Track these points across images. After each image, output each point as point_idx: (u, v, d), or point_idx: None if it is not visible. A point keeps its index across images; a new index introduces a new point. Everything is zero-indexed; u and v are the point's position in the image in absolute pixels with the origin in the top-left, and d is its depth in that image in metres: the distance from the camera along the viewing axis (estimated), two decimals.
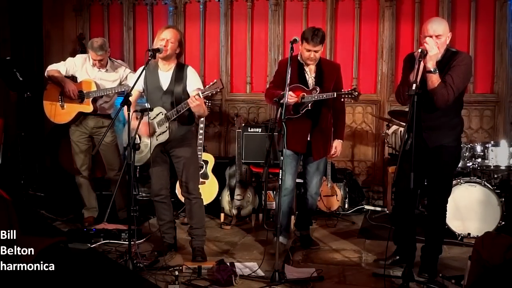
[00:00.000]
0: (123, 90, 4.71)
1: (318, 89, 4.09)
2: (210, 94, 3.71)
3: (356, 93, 3.97)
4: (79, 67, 4.81)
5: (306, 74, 4.21)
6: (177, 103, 3.80)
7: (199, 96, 3.67)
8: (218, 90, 3.72)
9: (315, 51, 4.10)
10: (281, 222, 4.03)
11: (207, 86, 3.72)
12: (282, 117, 3.75)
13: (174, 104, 3.82)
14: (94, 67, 4.79)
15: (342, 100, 4.09)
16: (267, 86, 6.16)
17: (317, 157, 4.25)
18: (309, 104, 4.10)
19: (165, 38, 3.80)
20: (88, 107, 4.75)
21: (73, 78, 4.81)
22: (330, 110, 4.25)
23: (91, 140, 4.93)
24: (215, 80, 3.71)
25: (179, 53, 3.91)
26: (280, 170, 3.74)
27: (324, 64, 4.27)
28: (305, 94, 4.12)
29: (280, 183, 3.78)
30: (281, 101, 3.96)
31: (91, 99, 4.72)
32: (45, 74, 4.85)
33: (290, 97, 3.97)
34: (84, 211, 5.03)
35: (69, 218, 5.15)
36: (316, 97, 4.06)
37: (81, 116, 4.81)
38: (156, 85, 3.89)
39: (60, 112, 4.83)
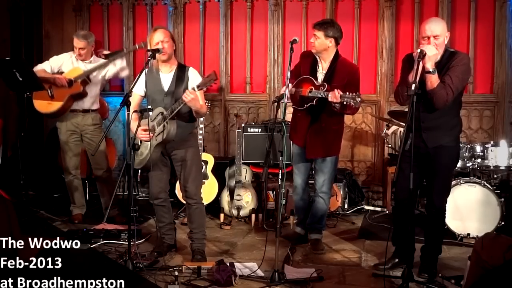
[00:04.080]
0: (106, 71, 4.96)
1: (326, 86, 3.98)
2: (205, 88, 3.67)
3: (359, 98, 3.75)
4: (64, 61, 4.97)
5: (317, 69, 4.18)
6: None
7: (194, 90, 3.63)
8: (213, 82, 3.66)
9: (314, 36, 4.10)
10: (299, 217, 4.54)
11: (201, 80, 3.68)
12: (283, 117, 3.83)
13: None
14: (78, 60, 4.96)
15: (345, 103, 3.82)
16: (267, 86, 6.26)
17: (311, 155, 4.22)
18: (314, 100, 4.03)
19: (159, 40, 3.78)
20: (78, 88, 4.85)
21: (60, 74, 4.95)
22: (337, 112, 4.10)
23: (81, 140, 5.01)
24: (209, 73, 3.66)
25: (174, 50, 3.92)
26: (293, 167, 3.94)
27: (340, 63, 4.15)
28: (313, 88, 4.06)
29: (279, 183, 3.79)
30: (281, 101, 4.00)
31: (80, 80, 4.84)
32: None
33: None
34: (73, 208, 5.12)
35: (69, 218, 5.14)
36: (321, 94, 3.96)
37: (72, 102, 4.90)
38: (158, 87, 3.88)
39: (50, 102, 4.91)
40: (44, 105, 4.94)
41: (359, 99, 3.77)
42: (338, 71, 4.10)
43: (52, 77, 4.85)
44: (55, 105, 4.89)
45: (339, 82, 4.00)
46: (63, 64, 4.96)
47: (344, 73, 4.09)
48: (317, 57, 4.20)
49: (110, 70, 5.02)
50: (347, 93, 3.80)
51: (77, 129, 4.97)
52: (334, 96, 3.83)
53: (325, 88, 3.97)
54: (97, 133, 4.99)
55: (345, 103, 3.83)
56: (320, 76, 4.16)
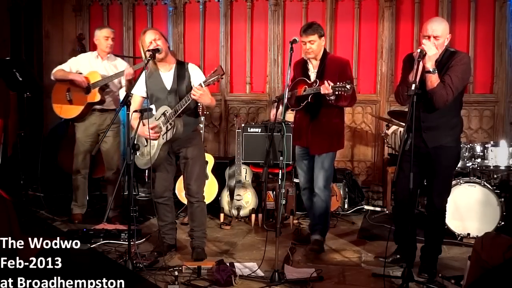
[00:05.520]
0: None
1: (318, 82, 4.05)
2: (212, 83, 3.68)
3: (349, 85, 3.82)
4: (83, 62, 4.94)
5: (309, 70, 4.24)
6: None
7: (201, 86, 3.63)
8: (220, 77, 3.65)
9: (309, 42, 4.12)
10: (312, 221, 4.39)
11: (208, 75, 3.68)
12: (282, 117, 3.85)
13: None
14: (98, 58, 4.93)
15: (338, 93, 3.89)
16: (267, 86, 6.27)
17: (315, 151, 4.22)
18: (309, 97, 4.08)
19: (151, 39, 3.77)
20: (95, 97, 4.81)
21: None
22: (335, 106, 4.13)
23: (96, 140, 4.99)
24: (215, 68, 3.67)
25: (169, 47, 3.93)
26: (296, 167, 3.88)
27: (329, 60, 4.22)
28: (306, 87, 4.13)
29: (279, 183, 3.79)
30: (281, 101, 4.03)
31: (97, 88, 4.79)
32: (52, 77, 4.96)
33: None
34: (73, 206, 5.12)
35: (69, 218, 5.14)
36: (314, 89, 4.03)
37: (90, 108, 4.88)
38: (159, 86, 3.88)
39: (69, 107, 4.91)
40: (63, 110, 4.96)
41: (349, 86, 3.83)
42: (328, 66, 4.17)
43: (71, 74, 4.82)
44: (74, 112, 4.90)
45: (331, 77, 4.04)
46: (82, 65, 4.92)
47: (334, 68, 4.15)
48: (305, 59, 4.26)
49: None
50: (338, 83, 3.87)
51: (94, 129, 4.94)
52: (325, 87, 3.91)
53: (318, 84, 4.04)
54: (115, 133, 4.97)
55: (337, 93, 3.90)
56: (312, 75, 4.22)
